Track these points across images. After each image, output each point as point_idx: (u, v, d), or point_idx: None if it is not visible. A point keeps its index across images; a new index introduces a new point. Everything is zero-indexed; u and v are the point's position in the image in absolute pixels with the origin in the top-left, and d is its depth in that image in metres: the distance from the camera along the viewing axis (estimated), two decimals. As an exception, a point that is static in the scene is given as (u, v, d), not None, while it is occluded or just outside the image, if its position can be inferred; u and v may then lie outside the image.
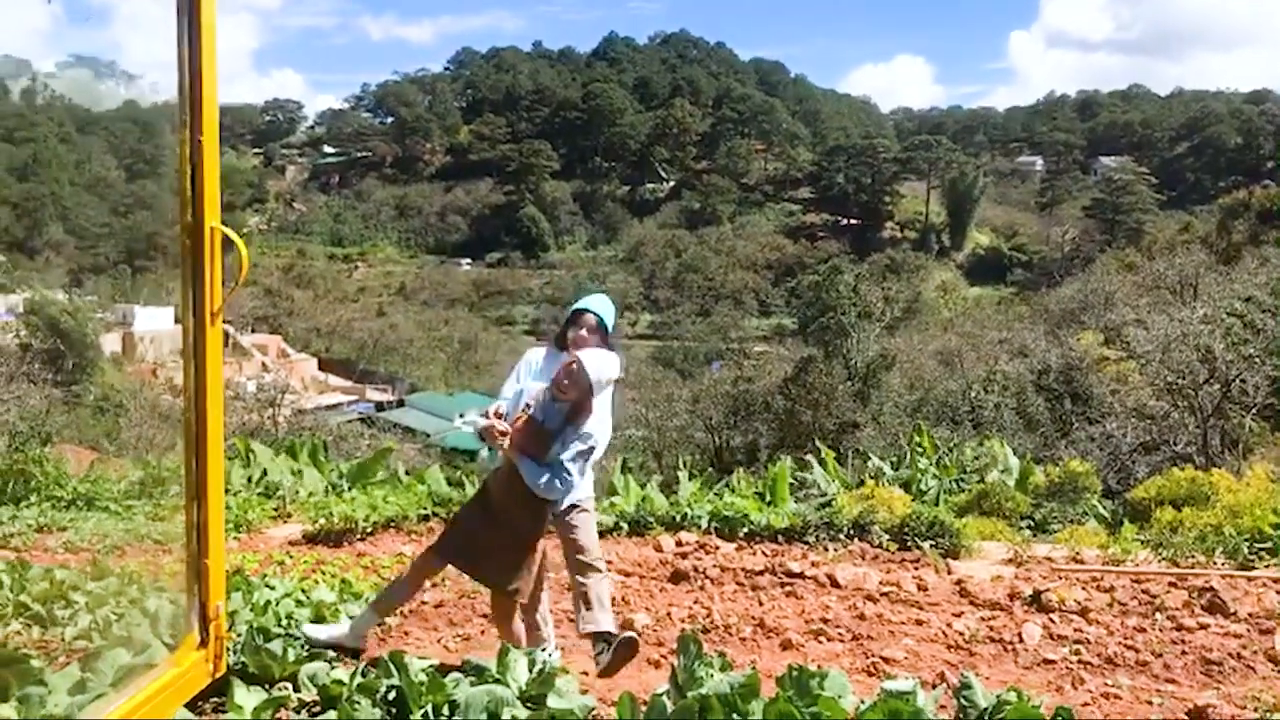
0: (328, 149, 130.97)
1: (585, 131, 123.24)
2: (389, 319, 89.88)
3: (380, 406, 50.89)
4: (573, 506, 5.11)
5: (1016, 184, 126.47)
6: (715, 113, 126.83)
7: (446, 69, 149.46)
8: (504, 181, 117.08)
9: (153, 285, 75.25)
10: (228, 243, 2.15)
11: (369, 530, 8.44)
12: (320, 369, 69.93)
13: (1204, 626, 6.15)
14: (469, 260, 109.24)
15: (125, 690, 1.64)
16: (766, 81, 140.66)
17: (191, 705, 4.23)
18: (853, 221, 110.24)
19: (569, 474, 4.74)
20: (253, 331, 76.33)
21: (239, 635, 5.05)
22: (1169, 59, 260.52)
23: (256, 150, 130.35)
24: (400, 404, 51.73)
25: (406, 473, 13.38)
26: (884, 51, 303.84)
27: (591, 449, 4.86)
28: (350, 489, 10.65)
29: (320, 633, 5.11)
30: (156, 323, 62.20)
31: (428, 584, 7.01)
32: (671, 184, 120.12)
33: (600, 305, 5.21)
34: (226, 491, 9.04)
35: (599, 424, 4.86)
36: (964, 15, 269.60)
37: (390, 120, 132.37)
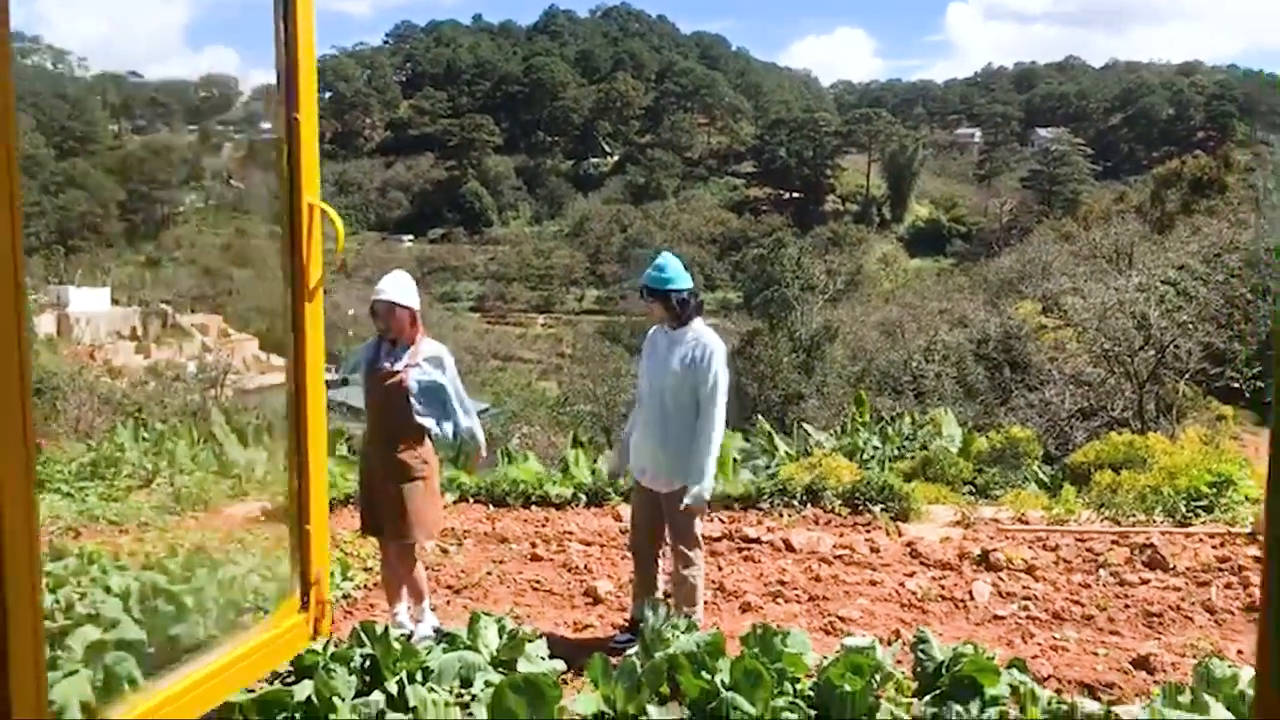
0: (264, 125, 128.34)
1: (527, 105, 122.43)
2: (331, 297, 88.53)
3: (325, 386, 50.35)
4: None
5: (955, 156, 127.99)
6: (658, 86, 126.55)
7: (385, 43, 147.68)
8: (445, 156, 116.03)
9: (87, 266, 73.65)
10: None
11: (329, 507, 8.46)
12: (261, 348, 68.90)
13: (1145, 581, 6.39)
14: (411, 237, 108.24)
15: (218, 648, 1.70)
16: (708, 55, 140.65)
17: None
18: (795, 195, 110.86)
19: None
20: (192, 311, 74.94)
21: (209, 609, 5.09)
22: (1104, 31, 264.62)
23: (191, 127, 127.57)
24: (344, 383, 51.21)
25: (352, 451, 13.32)
26: (824, 25, 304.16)
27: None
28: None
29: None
30: (92, 303, 60.85)
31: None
32: (615, 158, 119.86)
33: (650, 274, 5.24)
34: (180, 471, 9.00)
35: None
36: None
37: (328, 95, 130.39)
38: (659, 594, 5.43)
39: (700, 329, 5.22)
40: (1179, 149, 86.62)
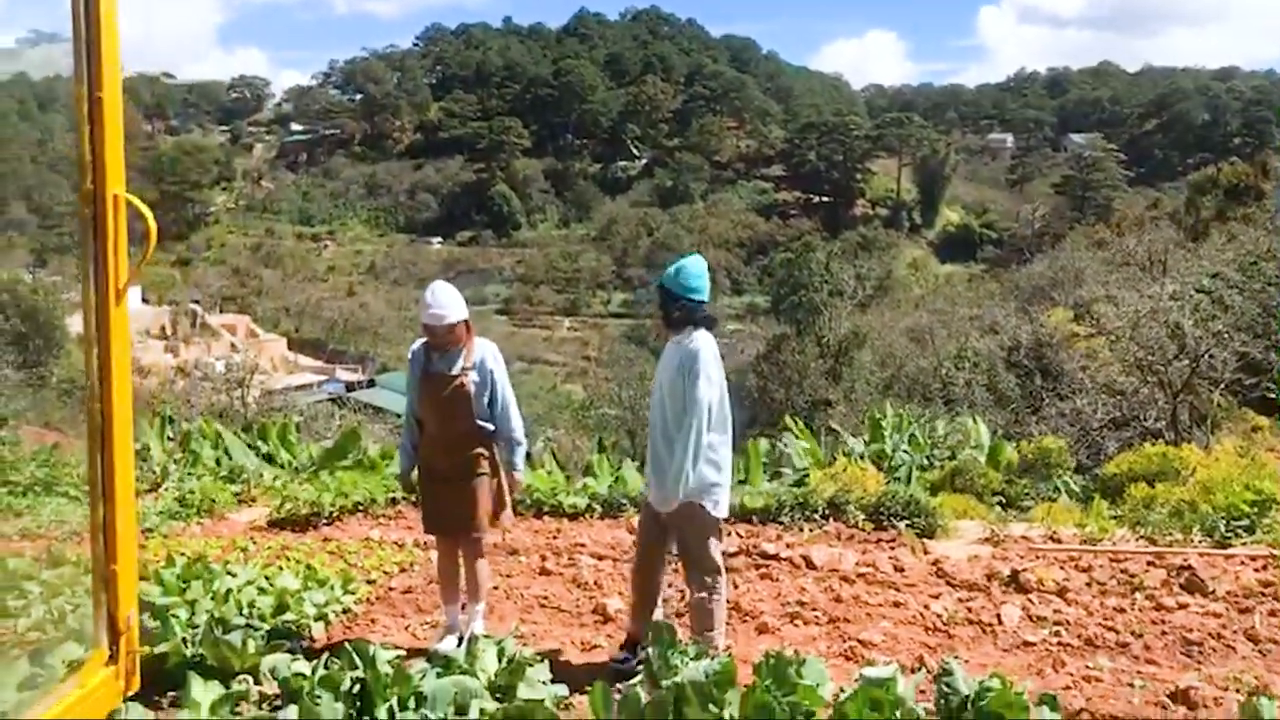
0: (295, 126, 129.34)
1: (556, 108, 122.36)
2: (359, 298, 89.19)
3: (351, 386, 50.48)
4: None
5: (987, 161, 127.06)
6: (687, 90, 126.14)
7: (415, 45, 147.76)
8: (474, 159, 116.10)
9: (119, 265, 74.29)
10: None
11: (335, 514, 8.27)
12: (289, 349, 69.28)
13: (1183, 606, 6.07)
14: (440, 239, 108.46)
15: (23, 714, 1.49)
16: (738, 58, 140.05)
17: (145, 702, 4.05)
18: (824, 199, 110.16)
19: None
20: (221, 311, 75.53)
21: (198, 625, 4.89)
22: (1139, 35, 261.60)
23: (223, 128, 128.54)
24: (371, 384, 51.36)
25: (369, 457, 13.16)
26: (855, 28, 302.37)
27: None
28: (318, 472, 10.44)
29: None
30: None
31: (397, 570, 6.87)
32: (644, 161, 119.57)
33: (665, 274, 5.17)
34: (193, 475, 8.82)
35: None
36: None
37: (359, 97, 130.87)
38: (660, 613, 5.18)
39: (694, 335, 4.99)
40: (1215, 155, 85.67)
